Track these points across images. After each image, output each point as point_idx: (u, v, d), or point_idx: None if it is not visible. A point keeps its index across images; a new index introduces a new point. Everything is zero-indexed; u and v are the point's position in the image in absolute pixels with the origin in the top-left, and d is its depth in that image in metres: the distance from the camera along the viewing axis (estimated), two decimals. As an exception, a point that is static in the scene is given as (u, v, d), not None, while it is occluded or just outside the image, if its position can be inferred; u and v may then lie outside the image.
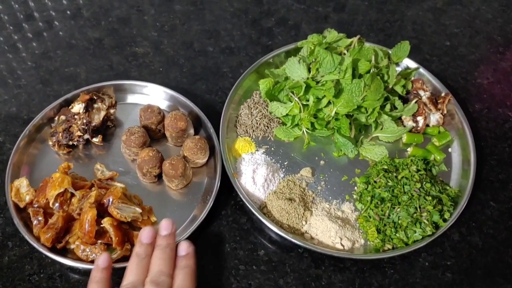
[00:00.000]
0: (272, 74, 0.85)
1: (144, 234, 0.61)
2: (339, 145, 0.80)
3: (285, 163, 0.80)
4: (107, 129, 0.82)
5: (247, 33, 0.98)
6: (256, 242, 0.73)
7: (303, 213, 0.72)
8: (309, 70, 0.80)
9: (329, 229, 0.71)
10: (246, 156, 0.79)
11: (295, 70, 0.80)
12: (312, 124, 0.81)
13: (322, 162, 0.80)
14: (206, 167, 0.79)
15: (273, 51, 0.89)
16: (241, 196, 0.73)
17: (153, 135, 0.81)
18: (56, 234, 0.68)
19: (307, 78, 0.79)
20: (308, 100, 0.80)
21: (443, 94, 0.85)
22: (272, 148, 0.81)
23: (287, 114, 0.81)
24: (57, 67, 0.91)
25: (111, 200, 0.69)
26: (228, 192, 0.77)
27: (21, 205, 0.71)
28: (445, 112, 0.84)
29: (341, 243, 0.70)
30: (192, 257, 0.60)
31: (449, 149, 0.82)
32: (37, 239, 0.68)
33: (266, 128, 0.82)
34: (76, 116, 0.78)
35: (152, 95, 0.85)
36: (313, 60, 0.80)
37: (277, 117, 0.83)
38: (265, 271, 0.70)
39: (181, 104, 0.83)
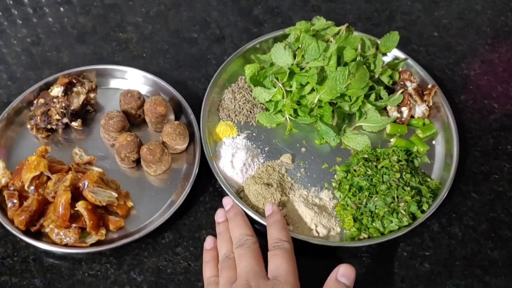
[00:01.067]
0: (258, 59, 0.84)
1: (217, 215, 0.69)
2: (321, 133, 0.79)
3: (266, 149, 0.79)
4: (87, 114, 0.81)
5: (234, 20, 0.97)
6: (234, 229, 0.72)
7: (280, 199, 0.71)
8: (294, 57, 0.79)
9: (305, 216, 0.70)
10: (227, 140, 0.78)
11: (280, 56, 0.79)
12: (295, 111, 0.80)
13: (303, 150, 0.79)
14: (186, 153, 0.78)
15: (260, 36, 0.88)
16: (218, 179, 0.72)
17: (133, 120, 0.80)
18: (30, 217, 0.67)
19: (292, 65, 0.78)
20: (291, 87, 0.79)
21: (429, 86, 0.84)
22: (254, 134, 0.81)
23: (270, 100, 0.80)
24: (40, 52, 0.90)
25: (86, 184, 0.69)
26: (207, 178, 0.76)
27: (-4, 188, 0.71)
28: (430, 104, 0.83)
29: (316, 230, 0.69)
30: (276, 213, 0.66)
31: (433, 142, 0.81)
32: (11, 222, 0.68)
33: (249, 113, 0.82)
34: (55, 100, 0.77)
35: (133, 80, 0.84)
36: (299, 46, 0.79)
37: (260, 103, 0.82)
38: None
39: (162, 89, 0.83)
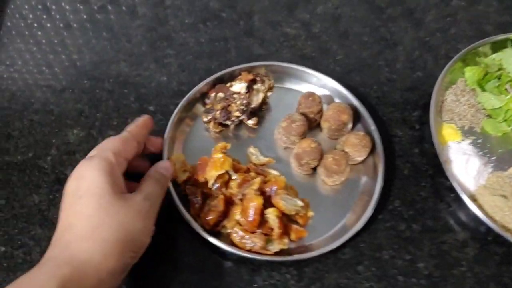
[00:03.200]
0: (482, 63, 0.80)
1: None
2: None
3: (492, 158, 0.76)
4: (259, 112, 0.79)
5: (404, 26, 0.91)
6: (416, 253, 0.68)
7: None
8: None
9: None
10: (453, 144, 0.76)
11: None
12: None
13: None
14: (363, 165, 0.74)
15: (480, 40, 0.83)
16: (452, 183, 0.69)
17: (308, 125, 0.77)
18: (217, 217, 0.65)
19: None
20: None
21: None
22: (479, 140, 0.77)
23: (499, 107, 0.77)
24: (206, 40, 0.88)
25: (274, 189, 0.66)
26: (384, 195, 0.72)
27: (178, 181, 0.69)
28: None
29: None
30: None
31: None
32: (194, 219, 0.66)
33: (472, 118, 0.79)
34: (235, 95, 0.75)
35: (307, 82, 0.81)
36: None
37: (483, 109, 0.79)
38: (424, 285, 0.65)
39: (340, 95, 0.79)
